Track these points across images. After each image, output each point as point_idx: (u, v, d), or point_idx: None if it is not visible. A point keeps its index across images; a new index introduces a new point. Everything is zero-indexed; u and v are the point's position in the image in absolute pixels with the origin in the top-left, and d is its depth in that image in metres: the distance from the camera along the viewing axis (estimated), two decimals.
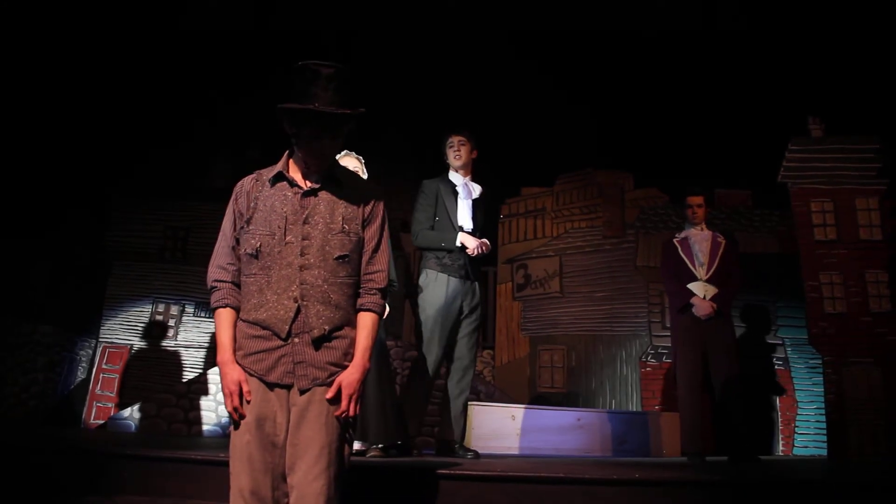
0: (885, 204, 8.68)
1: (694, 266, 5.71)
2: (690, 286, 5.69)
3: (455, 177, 5.35)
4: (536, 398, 10.01)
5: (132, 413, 8.78)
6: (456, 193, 5.24)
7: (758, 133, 9.34)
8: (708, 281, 5.66)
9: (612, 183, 10.64)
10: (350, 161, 4.97)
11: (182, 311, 10.63)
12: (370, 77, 9.79)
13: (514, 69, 10.28)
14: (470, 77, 10.66)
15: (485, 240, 5.09)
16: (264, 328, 2.58)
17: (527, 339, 10.77)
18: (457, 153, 5.34)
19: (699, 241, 5.79)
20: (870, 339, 8.15)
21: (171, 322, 10.69)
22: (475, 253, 5.01)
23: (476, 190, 5.32)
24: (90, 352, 10.20)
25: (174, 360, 10.42)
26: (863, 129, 8.96)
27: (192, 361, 10.22)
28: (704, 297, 5.59)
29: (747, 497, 3.64)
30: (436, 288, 5.06)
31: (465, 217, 5.20)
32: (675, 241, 5.89)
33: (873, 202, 8.64)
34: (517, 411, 6.88)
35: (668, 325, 9.76)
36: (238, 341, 2.62)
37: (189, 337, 10.42)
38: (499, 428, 6.61)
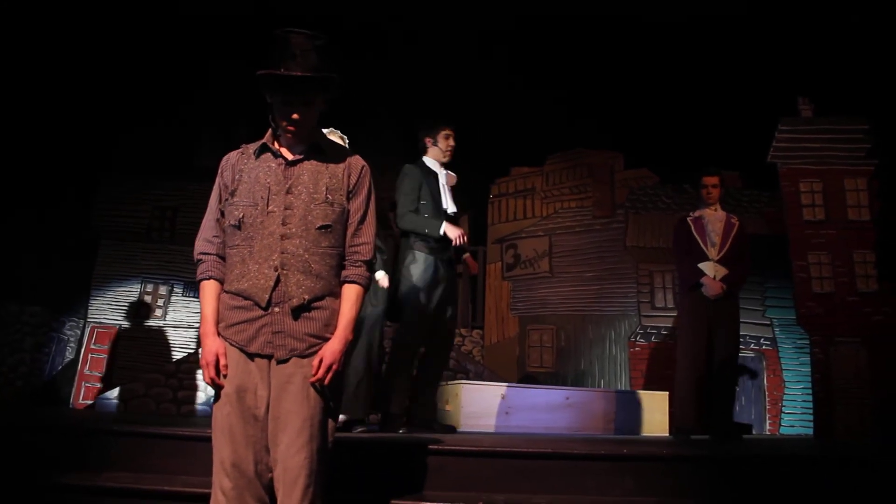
0: (872, 184, 8.71)
1: (706, 246, 5.70)
2: (701, 266, 5.68)
3: (433, 163, 5.48)
4: (525, 377, 10.05)
5: (120, 393, 8.76)
6: (437, 179, 5.37)
7: (748, 113, 9.34)
8: (719, 261, 5.66)
9: (602, 163, 10.64)
10: (333, 138, 4.95)
11: (170, 291, 10.60)
12: (361, 56, 9.74)
13: (504, 49, 10.22)
14: (460, 57, 10.60)
15: (463, 230, 5.18)
16: (246, 298, 2.57)
17: (516, 318, 10.79)
18: (450, 144, 5.50)
19: (713, 221, 5.78)
20: (857, 318, 8.21)
21: (160, 302, 10.67)
22: (457, 242, 5.11)
23: (453, 178, 5.50)
24: (78, 332, 10.17)
25: (162, 339, 10.40)
26: (852, 110, 8.97)
27: (180, 341, 10.20)
28: (715, 278, 5.60)
29: (732, 472, 3.66)
30: (424, 270, 5.16)
31: (449, 202, 5.35)
32: (688, 219, 5.88)
33: (861, 182, 8.67)
34: (506, 390, 6.89)
35: (658, 306, 9.84)
36: (221, 313, 2.62)
37: (178, 317, 10.40)
38: (488, 407, 6.62)
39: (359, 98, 10.48)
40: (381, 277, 5.24)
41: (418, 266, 5.19)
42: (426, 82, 10.86)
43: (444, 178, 5.45)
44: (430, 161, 5.51)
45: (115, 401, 8.50)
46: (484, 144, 11.06)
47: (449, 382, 7.23)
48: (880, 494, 3.46)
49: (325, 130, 4.96)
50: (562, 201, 10.83)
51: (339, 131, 5.07)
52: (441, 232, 5.12)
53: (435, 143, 5.53)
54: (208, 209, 2.76)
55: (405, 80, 10.77)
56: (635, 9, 9.92)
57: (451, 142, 5.53)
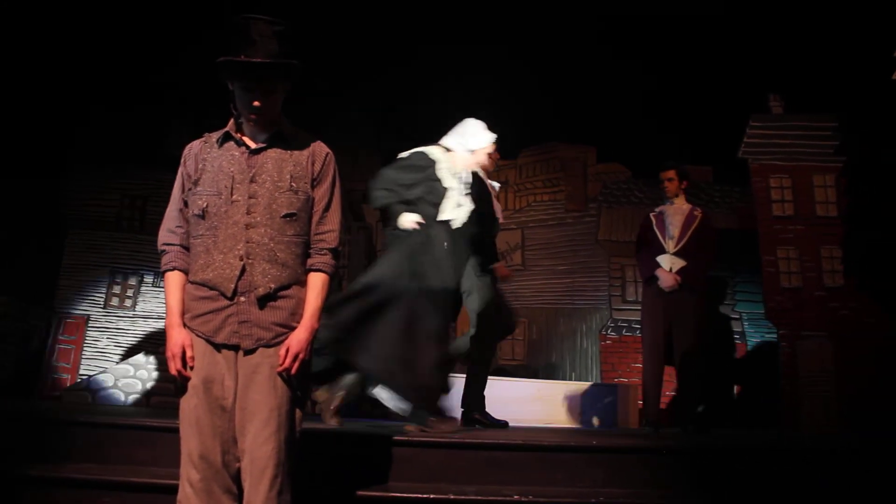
0: (840, 181, 8.82)
1: (664, 239, 5.74)
2: (658, 258, 5.72)
3: (481, 173, 5.46)
4: (497, 370, 10.06)
5: (89, 384, 8.67)
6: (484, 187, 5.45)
7: (720, 109, 9.41)
8: (676, 254, 5.70)
9: (575, 157, 10.67)
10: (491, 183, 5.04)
11: (140, 282, 10.49)
12: (333, 48, 9.68)
13: (477, 40, 10.21)
14: (432, 48, 10.58)
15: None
16: (211, 288, 2.55)
17: None
18: (497, 159, 5.56)
19: (674, 214, 5.83)
20: (824, 313, 8.32)
21: (130, 292, 10.56)
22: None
23: (496, 186, 5.58)
24: (46, 322, 10.03)
25: (132, 330, 10.30)
26: (821, 107, 9.08)
27: (150, 332, 10.10)
28: (671, 270, 5.63)
29: (699, 463, 3.70)
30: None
31: (498, 210, 5.55)
32: (651, 214, 5.93)
33: (830, 179, 8.77)
34: None
35: (629, 299, 9.90)
36: (186, 304, 2.60)
37: (148, 308, 10.30)
38: (459, 399, 6.62)
39: (330, 89, 10.45)
40: None
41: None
42: (398, 74, 10.83)
43: (496, 187, 5.56)
44: (478, 171, 5.46)
45: (84, 392, 8.41)
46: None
47: None
48: (843, 486, 3.52)
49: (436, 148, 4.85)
50: (534, 194, 10.85)
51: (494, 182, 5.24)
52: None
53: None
54: (171, 199, 2.74)
55: (377, 71, 10.72)
56: (610, 3, 9.96)
57: (497, 155, 5.54)
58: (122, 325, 10.42)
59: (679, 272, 5.58)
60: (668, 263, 5.64)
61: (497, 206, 5.53)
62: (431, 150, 4.94)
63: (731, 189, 10.16)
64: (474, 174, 5.12)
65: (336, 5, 9.67)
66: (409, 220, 4.59)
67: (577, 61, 10.23)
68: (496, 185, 5.58)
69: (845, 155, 8.82)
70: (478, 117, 5.38)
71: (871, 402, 7.51)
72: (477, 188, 5.10)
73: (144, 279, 10.48)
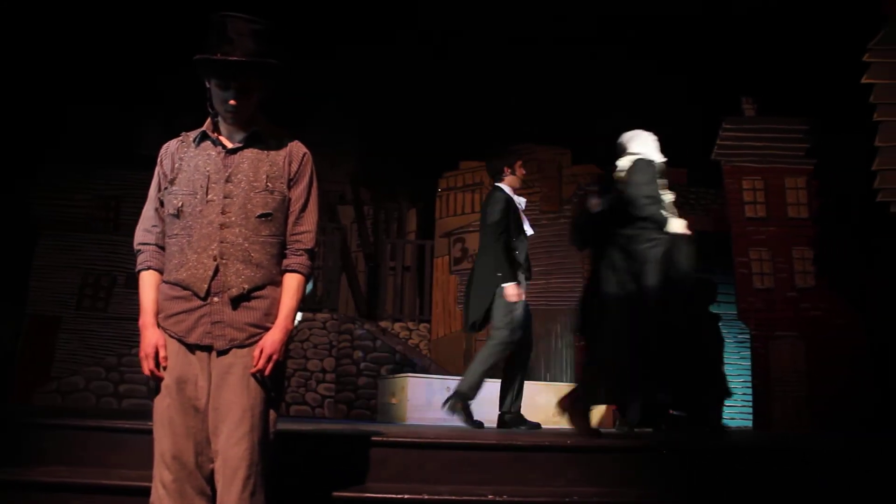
0: (812, 183, 8.94)
1: None
2: None
3: (509, 189, 5.70)
4: None
5: (59, 386, 8.57)
6: (515, 204, 5.68)
7: (694, 111, 9.49)
8: None
9: (550, 159, 10.72)
10: None
11: (113, 283, 10.40)
12: (310, 49, 9.65)
13: (452, 43, 10.23)
14: (409, 51, 10.58)
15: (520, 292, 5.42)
16: (184, 288, 2.53)
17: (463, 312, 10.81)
18: (523, 172, 5.87)
19: None
20: (795, 313, 8.42)
21: (102, 294, 10.46)
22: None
23: (522, 202, 5.78)
24: (17, 324, 9.91)
25: (104, 332, 10.21)
26: (793, 111, 9.19)
27: (123, 334, 10.00)
28: None
29: (672, 461, 3.72)
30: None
31: (528, 225, 5.73)
32: None
33: (801, 181, 8.89)
34: (452, 383, 6.90)
35: None
36: (160, 303, 2.58)
37: (120, 309, 10.21)
38: (434, 399, 6.62)
39: (309, 90, 10.42)
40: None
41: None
42: (376, 76, 10.82)
43: (521, 204, 5.71)
44: (506, 187, 5.70)
45: (54, 394, 8.32)
46: (433, 138, 11.08)
47: (395, 376, 7.22)
48: (812, 482, 3.56)
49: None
50: None
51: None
52: (507, 286, 5.36)
53: (513, 172, 5.75)
54: (148, 198, 2.71)
55: (355, 73, 10.70)
56: (585, 7, 10.01)
57: (524, 171, 5.89)
58: (94, 326, 10.32)
59: None
60: None
61: None
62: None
63: (707, 191, 10.25)
64: None
65: (313, 9, 9.65)
66: (681, 225, 4.56)
67: (553, 64, 10.28)
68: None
69: (816, 157, 8.94)
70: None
71: (842, 401, 7.60)
72: None
73: (117, 281, 10.39)
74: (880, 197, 7.30)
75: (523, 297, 5.44)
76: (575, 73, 10.39)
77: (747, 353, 8.78)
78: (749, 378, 8.62)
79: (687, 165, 10.48)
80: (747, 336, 8.76)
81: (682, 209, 8.19)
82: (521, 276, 5.51)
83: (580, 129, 10.27)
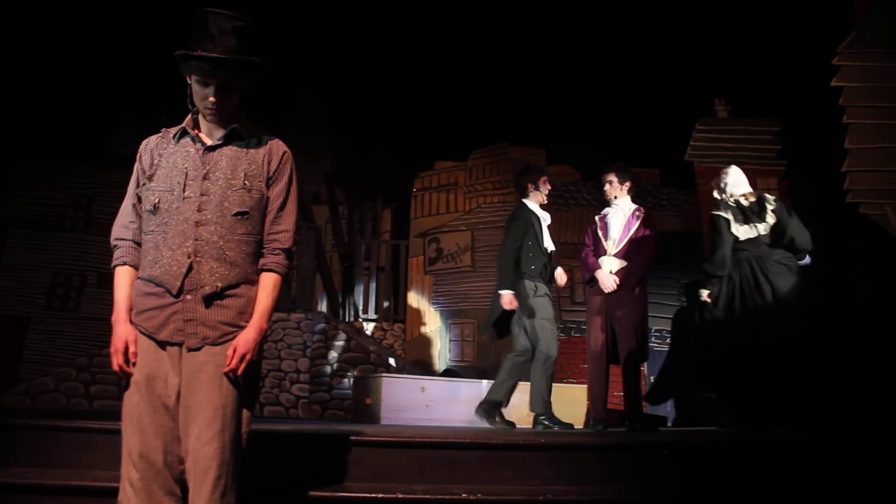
0: (783, 184, 9.04)
1: (606, 241, 5.80)
2: (600, 260, 5.78)
3: (533, 206, 5.94)
4: (446, 371, 10.09)
5: (28, 388, 8.46)
6: (539, 220, 5.89)
7: (667, 113, 9.57)
8: (616, 255, 5.74)
9: (525, 159, 10.72)
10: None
11: (84, 283, 10.29)
12: (289, 48, 9.61)
13: (429, 43, 10.23)
14: (386, 50, 10.57)
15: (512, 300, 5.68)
16: (158, 285, 2.51)
17: (437, 312, 10.82)
18: (548, 188, 6.04)
19: (614, 215, 5.88)
20: None
21: (73, 294, 10.34)
22: (508, 307, 5.68)
23: (547, 218, 5.99)
24: None
25: (75, 333, 10.10)
26: (765, 112, 9.29)
27: (94, 334, 9.89)
28: (611, 272, 5.68)
29: (645, 459, 3.75)
30: (542, 295, 5.73)
31: (549, 241, 5.89)
32: (598, 217, 5.99)
33: (773, 182, 8.99)
34: (427, 383, 6.92)
35: (578, 301, 10.00)
36: (133, 299, 2.56)
37: (91, 309, 10.11)
38: (409, 399, 6.63)
39: (285, 91, 10.38)
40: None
41: (539, 294, 5.73)
42: (351, 75, 10.80)
43: (544, 219, 5.92)
44: (531, 203, 5.93)
45: (24, 395, 8.21)
46: (408, 138, 11.08)
47: (370, 376, 7.21)
48: (782, 478, 3.60)
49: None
50: (484, 196, 10.91)
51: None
52: (499, 292, 5.72)
53: (537, 189, 5.94)
54: (127, 194, 2.69)
55: (329, 73, 10.67)
56: (562, 10, 10.06)
57: (549, 186, 6.06)
58: (64, 327, 10.20)
59: (618, 273, 5.64)
60: (607, 265, 5.70)
61: None
62: None
63: (679, 192, 10.33)
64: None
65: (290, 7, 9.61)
66: None
67: (529, 65, 10.32)
68: None
69: (787, 159, 9.04)
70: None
71: (815, 398, 7.67)
72: None
73: (88, 280, 10.27)
74: (850, 198, 7.40)
75: (514, 306, 5.64)
76: (550, 75, 10.44)
77: None
78: None
79: (660, 167, 10.57)
80: None
81: (654, 209, 8.27)
82: (541, 286, 5.74)
83: (555, 130, 10.31)
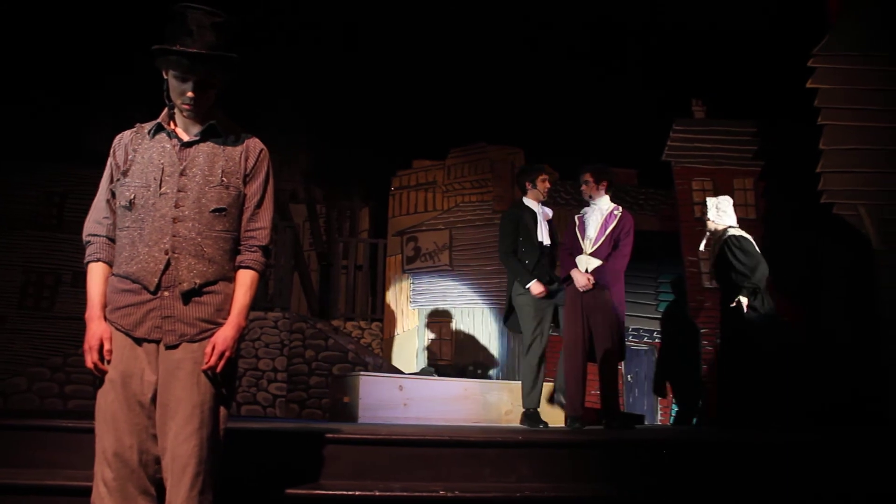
0: (759, 185, 9.12)
1: (583, 240, 5.82)
2: (577, 259, 5.80)
3: (531, 203, 6.17)
4: (424, 370, 10.08)
5: (2, 388, 8.35)
6: (535, 217, 6.09)
7: (646, 113, 9.62)
8: (593, 254, 5.77)
9: (503, 158, 10.76)
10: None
11: (58, 281, 10.18)
12: (266, 48, 9.56)
13: (407, 41, 10.22)
14: (362, 49, 10.55)
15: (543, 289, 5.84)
16: (134, 282, 2.48)
17: (415, 311, 10.81)
18: (546, 186, 6.24)
19: (592, 214, 5.91)
20: None
21: (46, 293, 10.23)
22: (540, 295, 5.84)
23: (549, 213, 6.23)
24: None
25: (49, 332, 9.99)
26: (741, 113, 9.36)
27: (69, 334, 9.78)
28: (586, 270, 5.70)
29: (622, 456, 3.77)
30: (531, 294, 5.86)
31: (545, 235, 6.08)
32: (577, 216, 6.03)
33: (749, 182, 9.07)
34: (405, 381, 6.91)
35: None
36: (108, 296, 2.53)
37: (66, 308, 10.01)
38: (387, 398, 6.62)
39: (262, 90, 10.32)
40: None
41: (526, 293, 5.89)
42: (330, 74, 10.76)
43: (541, 214, 6.12)
44: (528, 201, 6.18)
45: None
46: (387, 136, 11.06)
47: (348, 374, 7.19)
48: (757, 475, 3.63)
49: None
50: (463, 195, 10.91)
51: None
52: (526, 287, 5.84)
53: (534, 186, 6.17)
54: (99, 189, 2.66)
55: (307, 71, 10.63)
56: (540, 10, 10.09)
57: (548, 184, 6.27)
58: (38, 326, 10.09)
59: (593, 272, 5.66)
60: (583, 263, 5.73)
61: None
62: None
63: (656, 192, 10.38)
64: None
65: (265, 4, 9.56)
66: None
67: (508, 64, 10.34)
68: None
69: (764, 159, 9.12)
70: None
71: (789, 396, 7.75)
72: None
73: (62, 279, 10.16)
74: (824, 198, 7.48)
75: (544, 291, 5.82)
76: (528, 74, 10.46)
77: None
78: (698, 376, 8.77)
79: (638, 167, 10.62)
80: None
81: (632, 209, 8.32)
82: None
83: (534, 129, 10.34)
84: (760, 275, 6.00)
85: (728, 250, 6.09)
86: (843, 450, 3.88)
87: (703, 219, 6.58)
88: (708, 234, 6.45)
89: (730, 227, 6.30)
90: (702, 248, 6.58)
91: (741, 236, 6.17)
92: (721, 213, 6.36)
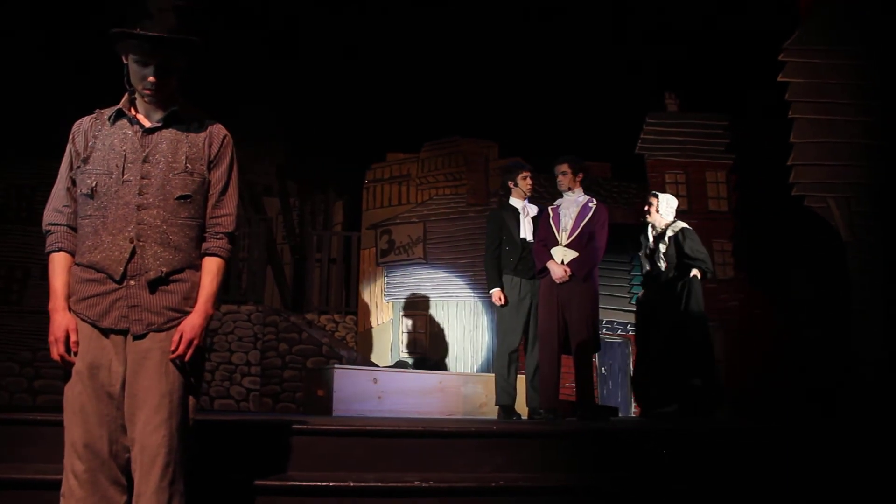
0: (731, 178, 9.21)
1: (558, 231, 5.83)
2: (552, 250, 5.80)
3: (515, 201, 6.28)
4: (399, 363, 10.07)
5: None
6: (519, 215, 6.21)
7: (620, 107, 9.66)
8: (568, 246, 5.77)
9: (477, 151, 10.75)
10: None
11: (27, 275, 10.04)
12: (239, 40, 9.48)
13: (382, 34, 10.19)
14: (337, 41, 10.49)
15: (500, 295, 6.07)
16: (98, 271, 2.44)
17: (390, 304, 10.79)
18: (528, 184, 6.35)
19: (567, 206, 5.91)
20: (715, 304, 8.63)
21: (15, 287, 10.09)
22: (498, 303, 6.11)
23: (534, 209, 6.27)
24: None
25: (18, 326, 9.86)
26: (714, 107, 9.44)
27: (38, 328, 9.65)
28: (562, 262, 5.71)
29: (597, 447, 3.79)
30: (510, 289, 6.06)
31: (527, 232, 6.15)
32: (550, 208, 6.03)
33: (721, 175, 9.17)
34: (379, 374, 6.89)
35: None
36: (72, 286, 2.47)
37: (35, 302, 9.87)
38: (361, 391, 6.60)
39: (236, 83, 10.24)
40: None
41: (506, 287, 6.08)
42: (305, 67, 10.70)
43: (524, 212, 6.23)
44: (513, 200, 6.30)
45: None
46: (360, 129, 11.02)
47: (322, 368, 7.16)
48: (728, 464, 3.67)
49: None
50: (437, 188, 10.89)
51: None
52: (489, 292, 6.15)
53: (516, 185, 6.30)
54: (58, 177, 2.61)
55: (279, 64, 10.56)
56: (514, 4, 10.09)
57: (530, 182, 6.37)
58: (6, 320, 9.95)
59: (570, 263, 5.67)
60: (559, 255, 5.73)
61: None
62: None
63: (630, 185, 10.43)
64: None
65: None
66: None
67: (482, 58, 10.33)
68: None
69: (736, 152, 9.21)
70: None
71: (758, 388, 7.84)
72: None
73: (31, 273, 10.03)
74: (795, 191, 7.58)
75: (503, 301, 6.04)
76: (502, 68, 10.47)
77: None
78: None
79: (612, 160, 10.67)
80: None
81: (606, 202, 8.35)
82: (516, 279, 6.03)
83: (508, 123, 10.34)
84: (710, 262, 6.51)
85: (683, 240, 6.39)
86: (812, 438, 3.93)
87: (649, 210, 6.63)
88: (651, 225, 6.68)
89: (676, 220, 6.61)
90: (650, 239, 6.67)
91: (691, 229, 6.55)
92: (670, 208, 6.64)
